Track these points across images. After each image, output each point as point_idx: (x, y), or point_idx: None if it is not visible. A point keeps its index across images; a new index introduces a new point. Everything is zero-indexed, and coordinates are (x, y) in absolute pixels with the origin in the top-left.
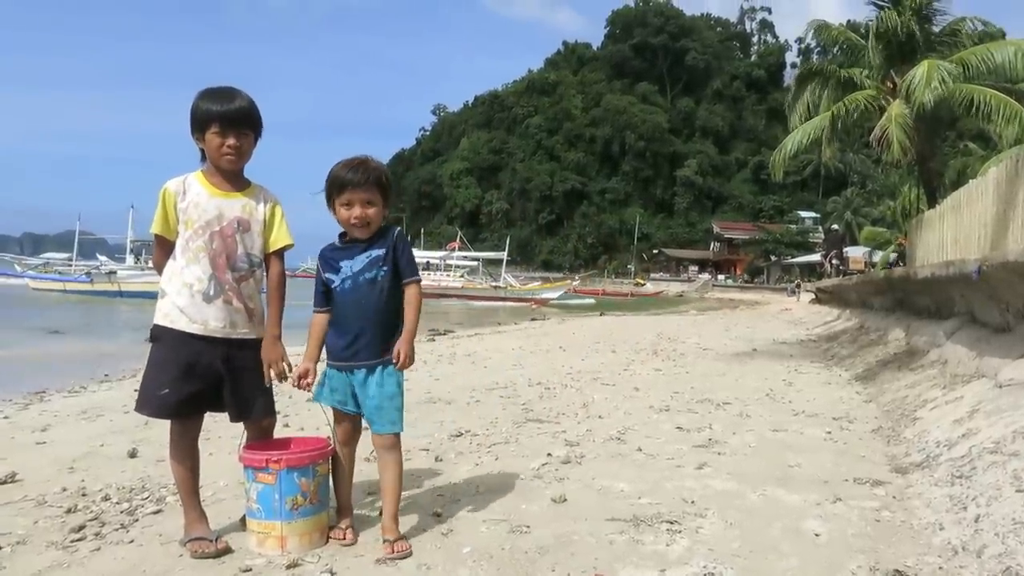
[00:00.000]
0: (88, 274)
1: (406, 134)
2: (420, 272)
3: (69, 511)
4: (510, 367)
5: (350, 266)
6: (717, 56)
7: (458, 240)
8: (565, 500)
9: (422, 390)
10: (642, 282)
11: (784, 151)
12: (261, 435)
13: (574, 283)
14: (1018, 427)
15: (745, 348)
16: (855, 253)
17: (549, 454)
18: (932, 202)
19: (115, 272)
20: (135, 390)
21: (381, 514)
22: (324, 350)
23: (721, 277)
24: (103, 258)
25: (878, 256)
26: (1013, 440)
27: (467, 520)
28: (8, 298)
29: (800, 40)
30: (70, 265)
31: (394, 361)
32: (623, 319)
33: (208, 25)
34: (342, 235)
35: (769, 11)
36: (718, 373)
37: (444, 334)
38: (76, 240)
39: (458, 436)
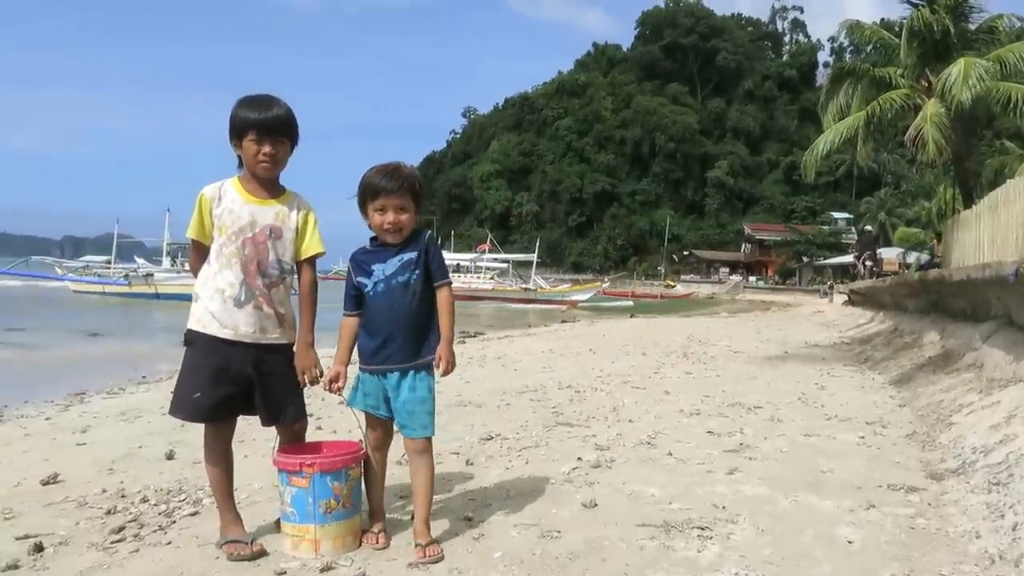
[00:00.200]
0: (126, 277)
1: (436, 137)
2: (451, 275)
3: (109, 512)
4: (540, 370)
5: (382, 270)
6: (748, 56)
7: (488, 242)
8: (595, 505)
9: (453, 393)
10: (672, 284)
11: (816, 151)
12: (293, 439)
13: (604, 285)
14: None
15: (777, 351)
16: (889, 254)
17: (579, 458)
18: (968, 202)
19: (152, 275)
20: (171, 392)
21: (413, 518)
22: (356, 353)
23: (752, 279)
24: (141, 261)
25: (912, 257)
26: None
27: (498, 524)
28: (50, 301)
29: (833, 39)
30: (109, 268)
31: (436, 366)
32: (653, 321)
33: (240, 28)
34: (373, 239)
35: (801, 10)
36: (749, 376)
37: (474, 336)
38: (115, 243)
39: (489, 440)
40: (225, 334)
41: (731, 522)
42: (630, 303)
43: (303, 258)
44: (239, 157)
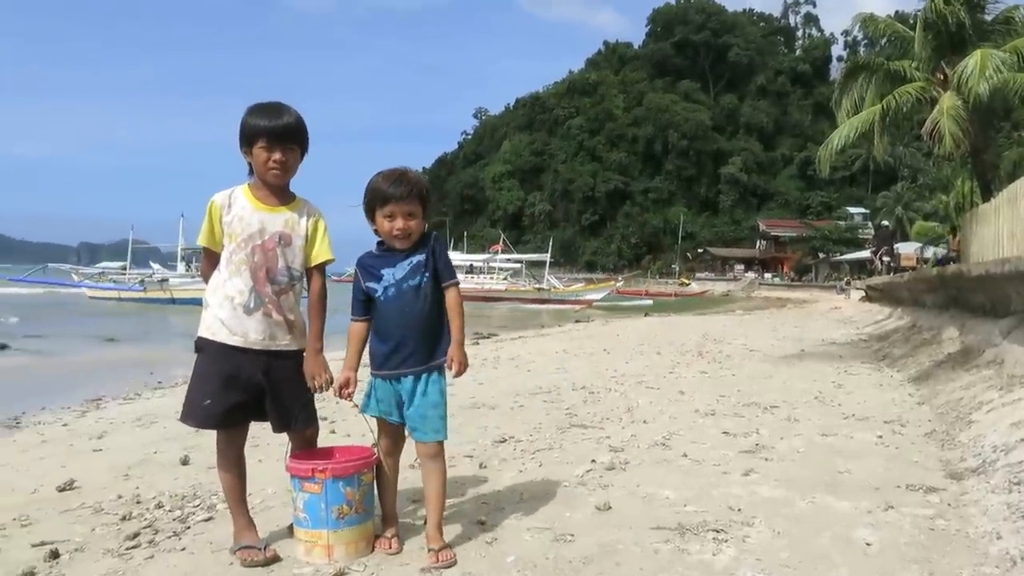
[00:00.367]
0: (141, 282)
1: (448, 138)
2: (464, 275)
3: (124, 518)
4: (554, 371)
5: (392, 273)
6: (760, 52)
7: (501, 243)
8: (609, 508)
9: (466, 395)
10: (687, 282)
11: (831, 146)
12: (305, 444)
13: (618, 284)
14: None
15: (793, 349)
16: (906, 249)
17: (593, 460)
18: (987, 195)
19: (167, 280)
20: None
21: (425, 522)
22: (366, 358)
23: (768, 275)
24: (156, 266)
25: (930, 252)
26: None
27: (511, 528)
28: (67, 307)
29: (846, 33)
30: (124, 274)
31: (448, 368)
32: (668, 320)
33: (252, 34)
34: (380, 243)
35: (814, 4)
36: (765, 375)
37: (488, 337)
38: (129, 249)
39: (502, 442)
40: (235, 341)
41: (747, 524)
42: (650, 302)
43: (313, 265)
44: (249, 164)
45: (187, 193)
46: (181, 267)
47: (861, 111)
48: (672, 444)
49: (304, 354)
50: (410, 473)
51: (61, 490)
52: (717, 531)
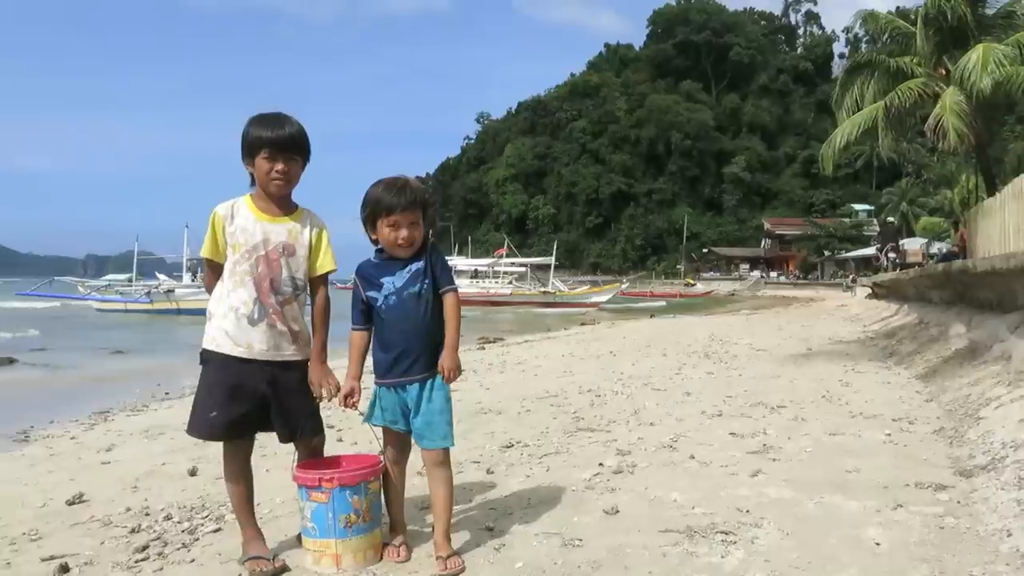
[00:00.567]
0: (148, 294)
1: (451, 143)
2: (469, 280)
3: (133, 531)
4: (560, 374)
5: (392, 282)
6: (762, 50)
7: (505, 247)
8: (617, 512)
9: (472, 400)
10: (692, 282)
11: (834, 144)
12: (311, 454)
13: (624, 285)
14: None
15: (800, 348)
16: (912, 245)
17: (600, 464)
18: (992, 190)
19: (173, 290)
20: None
21: (433, 530)
22: (369, 366)
23: (773, 274)
24: (162, 277)
25: (935, 247)
26: None
27: (519, 534)
28: (74, 319)
29: (848, 30)
30: (130, 285)
31: (440, 375)
32: (673, 321)
33: (256, 44)
34: (379, 251)
35: (815, 2)
36: (772, 375)
37: (494, 342)
38: (135, 260)
39: (509, 447)
40: (239, 352)
41: (755, 526)
42: (663, 303)
43: (316, 275)
44: (251, 175)
45: (191, 203)
46: (187, 277)
47: (863, 108)
48: (679, 446)
49: (309, 364)
50: (417, 480)
51: (70, 503)
52: (725, 533)
